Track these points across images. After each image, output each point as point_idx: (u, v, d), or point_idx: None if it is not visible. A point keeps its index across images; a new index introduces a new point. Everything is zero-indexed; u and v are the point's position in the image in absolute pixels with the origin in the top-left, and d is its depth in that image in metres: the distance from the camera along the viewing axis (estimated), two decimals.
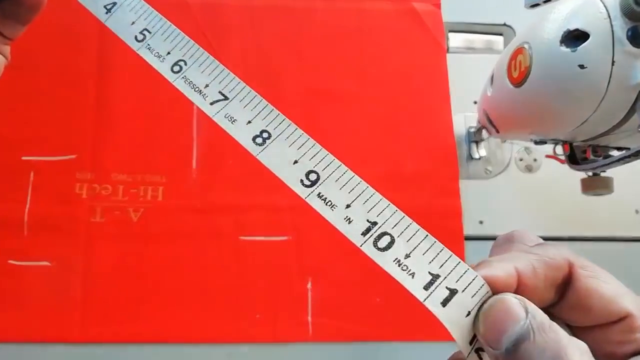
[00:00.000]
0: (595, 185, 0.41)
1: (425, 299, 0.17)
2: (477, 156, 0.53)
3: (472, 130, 0.53)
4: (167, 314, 0.46)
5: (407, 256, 0.18)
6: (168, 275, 0.46)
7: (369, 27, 0.55)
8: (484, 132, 0.51)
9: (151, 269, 0.46)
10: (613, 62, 0.30)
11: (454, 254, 0.18)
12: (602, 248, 0.51)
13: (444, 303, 0.17)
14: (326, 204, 0.19)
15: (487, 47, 0.56)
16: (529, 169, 0.53)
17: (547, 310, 0.18)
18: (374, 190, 0.19)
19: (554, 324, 0.16)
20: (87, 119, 0.49)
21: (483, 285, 0.17)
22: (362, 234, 0.18)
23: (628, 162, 0.36)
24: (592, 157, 0.39)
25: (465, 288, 0.17)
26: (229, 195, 0.49)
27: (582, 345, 0.16)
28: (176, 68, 0.23)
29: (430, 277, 0.17)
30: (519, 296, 0.17)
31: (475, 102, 0.52)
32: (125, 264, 0.46)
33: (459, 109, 0.53)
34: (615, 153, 0.39)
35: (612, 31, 0.30)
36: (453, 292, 0.17)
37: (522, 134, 0.44)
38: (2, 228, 0.46)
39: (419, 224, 0.18)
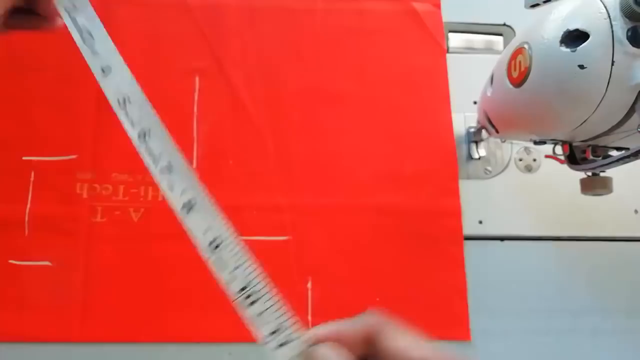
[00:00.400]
0: (595, 185, 0.41)
1: (266, 344, 0.24)
2: (476, 156, 0.53)
3: (472, 130, 0.53)
4: (167, 314, 0.46)
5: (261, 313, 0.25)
6: (168, 275, 0.46)
7: (369, 28, 0.55)
8: (483, 132, 0.51)
9: (151, 269, 0.47)
10: (613, 62, 0.31)
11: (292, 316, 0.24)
12: (601, 248, 0.51)
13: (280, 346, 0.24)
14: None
15: (487, 47, 0.56)
16: (528, 169, 0.53)
17: None
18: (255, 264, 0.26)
19: None
20: (87, 119, 0.49)
21: (307, 337, 0.23)
22: (238, 291, 0.26)
23: (627, 162, 0.36)
24: (591, 157, 0.40)
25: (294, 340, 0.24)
26: (229, 195, 0.49)
27: None
28: (142, 135, 0.29)
29: (275, 329, 0.24)
30: (332, 343, 0.22)
31: (475, 102, 0.52)
32: (126, 264, 0.46)
33: (459, 109, 0.54)
34: (615, 153, 0.39)
35: (612, 31, 0.30)
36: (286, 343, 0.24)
37: (521, 134, 0.44)
38: (3, 228, 0.46)
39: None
